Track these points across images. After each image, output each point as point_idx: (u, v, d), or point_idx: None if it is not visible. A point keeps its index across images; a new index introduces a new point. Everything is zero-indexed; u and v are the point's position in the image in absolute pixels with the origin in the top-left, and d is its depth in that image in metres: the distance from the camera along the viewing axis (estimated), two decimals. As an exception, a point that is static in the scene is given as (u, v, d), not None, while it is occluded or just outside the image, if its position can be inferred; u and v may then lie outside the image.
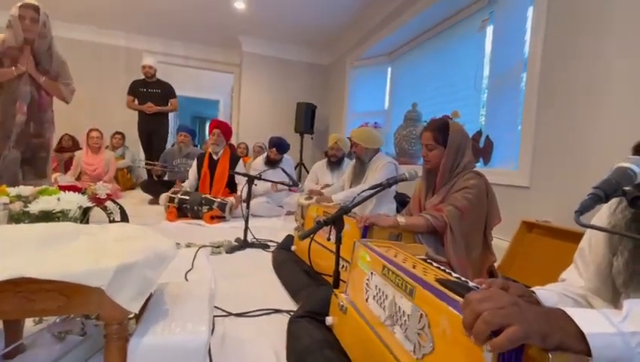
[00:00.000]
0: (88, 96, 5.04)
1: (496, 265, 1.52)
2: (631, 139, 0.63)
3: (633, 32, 1.48)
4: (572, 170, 1.72)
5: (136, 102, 4.18)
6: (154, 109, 4.10)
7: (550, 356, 0.40)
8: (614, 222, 0.65)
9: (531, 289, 0.69)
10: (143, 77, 4.25)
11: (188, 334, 0.71)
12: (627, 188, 0.53)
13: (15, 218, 0.94)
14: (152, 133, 4.24)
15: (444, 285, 0.63)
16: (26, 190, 1.03)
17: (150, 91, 4.17)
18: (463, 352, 0.50)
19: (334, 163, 3.05)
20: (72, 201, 1.01)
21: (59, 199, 1.00)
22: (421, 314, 0.62)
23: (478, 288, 0.64)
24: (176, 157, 3.89)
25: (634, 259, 0.60)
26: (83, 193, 1.10)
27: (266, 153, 3.58)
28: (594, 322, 0.42)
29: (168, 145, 4.50)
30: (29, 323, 0.97)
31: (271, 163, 3.41)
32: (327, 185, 3.00)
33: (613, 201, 0.68)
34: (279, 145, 3.40)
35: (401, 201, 2.58)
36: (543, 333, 0.41)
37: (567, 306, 0.56)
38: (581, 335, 0.41)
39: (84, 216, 1.11)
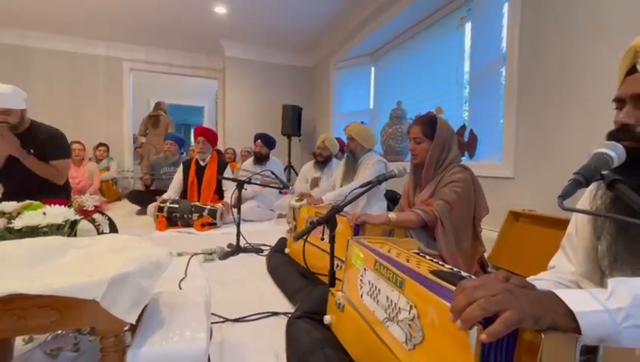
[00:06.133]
0: (68, 108, 4.93)
1: (486, 255, 1.56)
2: (606, 126, 0.66)
3: (599, 25, 1.55)
4: (553, 159, 1.78)
5: None
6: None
7: (543, 336, 0.42)
8: (596, 206, 0.68)
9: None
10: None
11: (186, 342, 0.70)
12: (605, 172, 0.55)
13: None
14: None
15: (438, 276, 0.64)
16: (8, 206, 0.99)
17: None
18: (450, 339, 0.52)
19: (321, 162, 3.06)
20: (59, 215, 0.99)
21: (44, 213, 0.97)
22: (411, 305, 0.63)
23: (470, 277, 0.66)
24: (162, 166, 3.83)
25: (616, 242, 0.63)
26: (69, 206, 1.08)
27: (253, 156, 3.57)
28: (582, 301, 0.44)
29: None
30: (18, 343, 0.94)
31: (259, 159, 3.39)
32: (315, 178, 3.02)
33: (593, 187, 0.71)
34: (264, 137, 3.39)
35: (392, 199, 2.61)
36: (536, 316, 0.42)
37: None
38: (571, 315, 0.43)
39: (71, 230, 1.09)
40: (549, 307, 0.44)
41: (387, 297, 0.72)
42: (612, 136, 0.63)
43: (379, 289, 0.76)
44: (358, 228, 1.37)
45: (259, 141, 3.39)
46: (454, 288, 0.55)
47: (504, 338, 0.45)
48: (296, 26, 4.42)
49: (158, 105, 5.39)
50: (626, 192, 0.52)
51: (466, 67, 2.86)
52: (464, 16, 2.83)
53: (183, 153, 4.12)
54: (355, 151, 2.46)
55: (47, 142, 1.95)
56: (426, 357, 0.58)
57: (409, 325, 0.63)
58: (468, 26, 2.83)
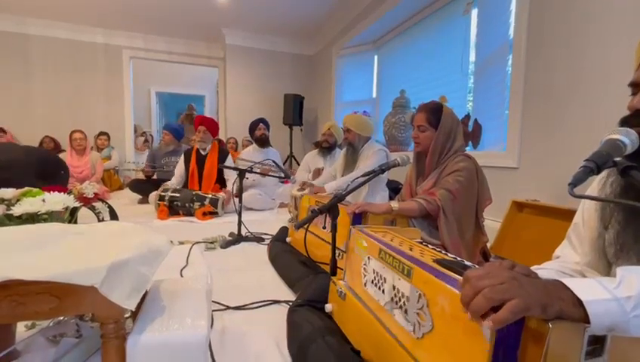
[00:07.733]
0: (67, 96, 4.90)
1: (488, 245, 1.55)
2: (612, 117, 0.64)
3: (609, 12, 1.50)
4: (558, 150, 1.75)
5: None
6: None
7: (550, 325, 0.41)
8: (605, 194, 0.66)
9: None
10: None
11: (187, 329, 0.70)
12: (618, 158, 0.53)
13: (-1, 222, 0.90)
14: None
15: (441, 265, 0.63)
16: (7, 192, 0.99)
17: None
18: (462, 328, 0.51)
19: (326, 149, 3.03)
20: (58, 202, 0.98)
21: (44, 200, 0.96)
22: (419, 294, 0.62)
23: (475, 267, 0.65)
24: (160, 156, 3.82)
25: (625, 230, 0.61)
26: (69, 193, 1.07)
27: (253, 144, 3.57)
28: (590, 290, 0.42)
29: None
30: (20, 329, 0.95)
31: (263, 143, 3.44)
32: (318, 168, 3.00)
33: (603, 175, 0.69)
34: (264, 120, 3.50)
35: (394, 188, 2.59)
36: (543, 304, 0.41)
37: None
38: (579, 303, 0.41)
39: (71, 217, 1.08)
40: (557, 295, 0.43)
41: (393, 286, 0.71)
42: (625, 123, 0.61)
43: (384, 278, 0.75)
44: (357, 218, 1.36)
45: (261, 124, 3.44)
46: (459, 277, 0.54)
47: (512, 327, 0.44)
48: (298, 14, 4.34)
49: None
50: None
51: (472, 56, 2.80)
52: (470, 2, 2.76)
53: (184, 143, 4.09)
54: (353, 142, 2.42)
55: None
56: (436, 345, 0.57)
57: (417, 314, 0.62)
58: (474, 13, 2.76)
